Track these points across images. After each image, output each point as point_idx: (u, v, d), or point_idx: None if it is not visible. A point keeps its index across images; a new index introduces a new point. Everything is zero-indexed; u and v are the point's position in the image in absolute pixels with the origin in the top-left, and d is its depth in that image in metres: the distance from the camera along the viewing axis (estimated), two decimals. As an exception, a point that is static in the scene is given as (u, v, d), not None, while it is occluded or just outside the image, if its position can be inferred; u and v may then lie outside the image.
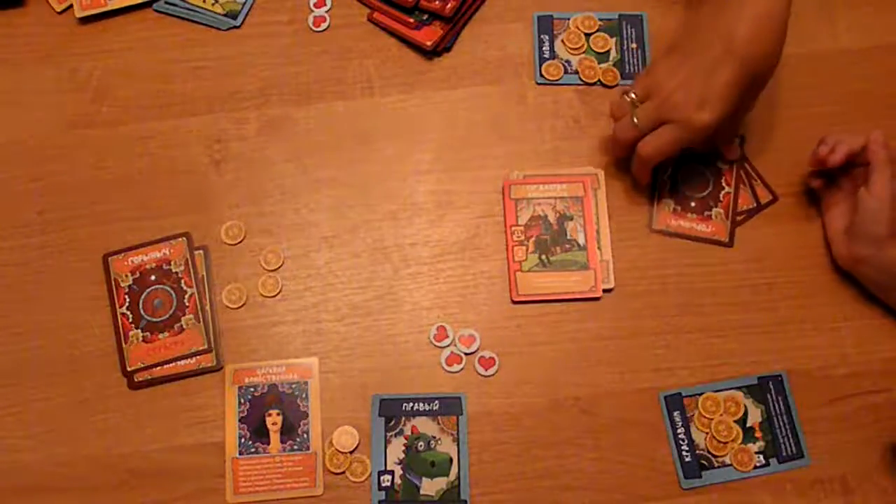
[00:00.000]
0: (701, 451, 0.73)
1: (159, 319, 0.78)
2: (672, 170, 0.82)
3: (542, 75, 0.85)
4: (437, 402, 0.75)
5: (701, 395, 0.75)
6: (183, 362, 0.76)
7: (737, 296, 0.78)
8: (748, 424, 0.74)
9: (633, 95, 0.75)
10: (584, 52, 0.86)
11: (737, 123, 0.80)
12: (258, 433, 0.74)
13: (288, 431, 0.74)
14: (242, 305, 0.78)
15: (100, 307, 0.78)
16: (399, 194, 0.82)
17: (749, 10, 0.69)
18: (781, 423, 0.74)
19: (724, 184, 0.81)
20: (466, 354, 0.76)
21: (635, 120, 0.74)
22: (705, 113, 0.70)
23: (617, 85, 0.85)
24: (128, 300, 0.78)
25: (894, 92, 0.84)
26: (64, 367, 0.76)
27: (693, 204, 0.80)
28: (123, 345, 0.77)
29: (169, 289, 0.78)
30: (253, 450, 0.74)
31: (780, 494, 0.72)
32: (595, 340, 0.77)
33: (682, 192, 0.81)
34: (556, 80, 0.85)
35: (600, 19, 0.87)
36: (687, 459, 0.73)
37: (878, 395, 0.74)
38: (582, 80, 0.85)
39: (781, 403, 0.74)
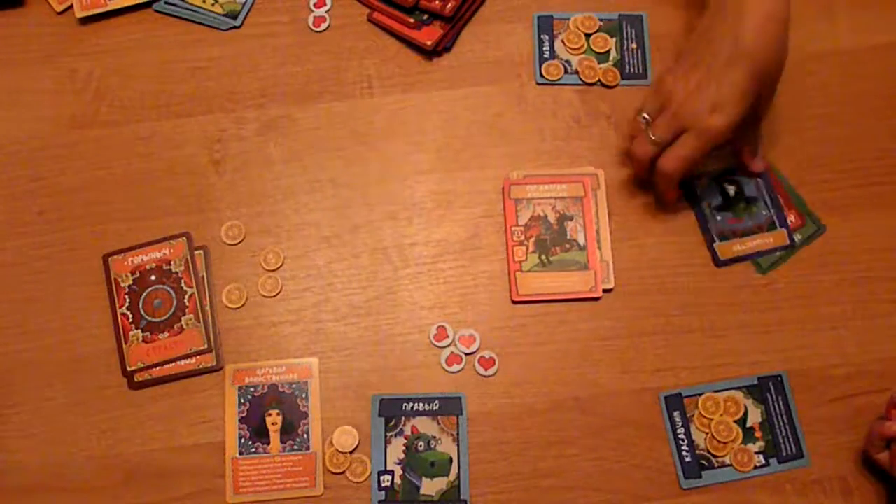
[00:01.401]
0: (701, 451, 0.73)
1: (159, 319, 0.78)
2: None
3: (542, 75, 0.85)
4: (437, 402, 0.75)
5: (701, 395, 0.75)
6: (183, 362, 0.76)
7: (737, 296, 0.78)
8: (748, 424, 0.74)
9: (645, 116, 0.75)
10: (584, 52, 0.86)
11: (755, 132, 0.80)
12: (258, 433, 0.74)
13: (288, 431, 0.74)
14: (242, 305, 0.78)
15: (100, 307, 0.78)
16: (399, 194, 0.82)
17: (753, 13, 0.70)
18: (781, 423, 0.74)
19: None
20: (466, 354, 0.76)
21: (652, 136, 0.74)
22: (720, 116, 0.71)
23: (617, 85, 0.85)
24: (128, 300, 0.78)
25: (894, 92, 0.84)
26: (64, 367, 0.76)
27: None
28: (123, 345, 0.77)
29: (169, 289, 0.78)
30: (253, 450, 0.74)
31: (780, 494, 0.72)
32: (595, 340, 0.77)
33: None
34: (556, 80, 0.85)
35: (600, 19, 0.87)
36: (687, 459, 0.73)
37: (878, 395, 0.74)
38: (582, 80, 0.85)
39: (781, 403, 0.74)
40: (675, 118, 0.73)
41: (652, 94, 0.76)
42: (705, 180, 0.81)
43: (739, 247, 0.79)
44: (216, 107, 0.85)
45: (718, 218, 0.80)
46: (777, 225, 0.79)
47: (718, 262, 0.78)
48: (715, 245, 0.79)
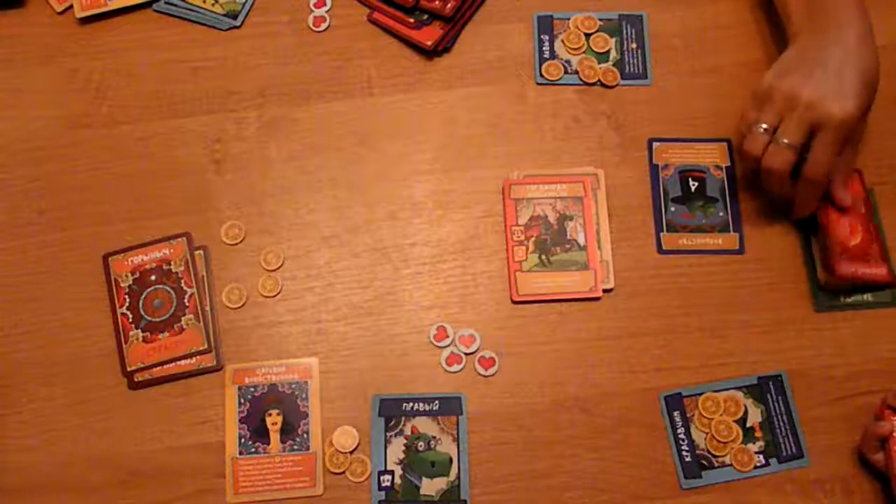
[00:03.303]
0: (701, 451, 0.73)
1: (159, 319, 0.78)
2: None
3: (542, 75, 0.85)
4: (437, 402, 0.75)
5: (701, 395, 0.75)
6: (183, 362, 0.76)
7: (737, 296, 0.78)
8: (748, 424, 0.74)
9: (764, 126, 0.73)
10: (584, 52, 0.86)
11: (851, 157, 0.77)
12: (258, 433, 0.74)
13: (288, 431, 0.74)
14: (242, 305, 0.78)
15: (100, 307, 0.78)
16: (399, 194, 0.82)
17: (852, 28, 0.73)
18: (781, 423, 0.74)
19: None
20: (466, 354, 0.76)
21: (785, 140, 0.72)
22: (849, 101, 0.70)
23: (617, 85, 0.85)
24: (128, 300, 0.78)
25: (894, 92, 0.84)
26: (64, 367, 0.76)
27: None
28: (123, 345, 0.77)
29: (169, 289, 0.78)
30: (253, 450, 0.74)
31: (780, 494, 0.72)
32: (595, 340, 0.77)
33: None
34: (556, 80, 0.85)
35: (600, 19, 0.87)
36: (687, 459, 0.73)
37: (878, 395, 0.74)
38: (582, 80, 0.85)
39: (781, 403, 0.74)
40: (805, 114, 0.71)
41: (760, 104, 0.74)
42: (671, 171, 0.81)
43: (685, 241, 0.79)
44: (216, 107, 0.85)
45: (672, 209, 0.80)
46: (731, 229, 0.79)
47: (661, 251, 0.79)
48: (661, 234, 0.79)
